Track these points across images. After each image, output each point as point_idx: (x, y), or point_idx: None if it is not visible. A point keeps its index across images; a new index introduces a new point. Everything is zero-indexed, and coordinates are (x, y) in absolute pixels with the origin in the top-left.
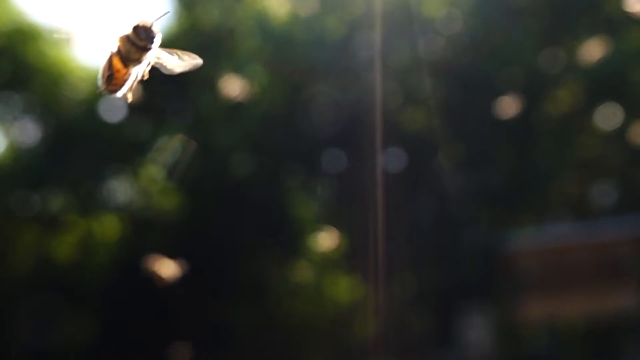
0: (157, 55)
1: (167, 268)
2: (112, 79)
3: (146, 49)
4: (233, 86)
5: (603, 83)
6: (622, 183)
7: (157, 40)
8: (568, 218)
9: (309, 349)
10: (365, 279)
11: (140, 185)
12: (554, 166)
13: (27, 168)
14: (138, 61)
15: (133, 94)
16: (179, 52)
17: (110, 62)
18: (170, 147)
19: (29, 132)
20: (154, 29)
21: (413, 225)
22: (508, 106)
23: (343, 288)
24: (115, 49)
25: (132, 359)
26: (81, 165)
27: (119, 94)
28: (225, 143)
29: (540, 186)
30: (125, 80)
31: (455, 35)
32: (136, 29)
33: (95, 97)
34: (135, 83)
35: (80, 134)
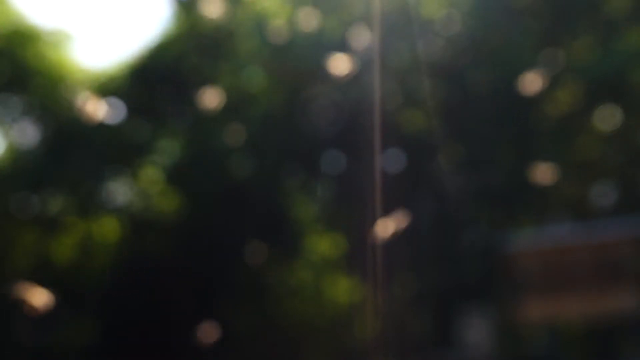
0: None
1: (37, 297)
2: None
3: None
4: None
5: (602, 83)
6: (621, 183)
7: None
8: (568, 218)
9: (309, 349)
10: (364, 279)
11: (139, 187)
12: (554, 166)
13: (27, 170)
14: None
15: None
16: None
17: None
18: (170, 148)
19: (28, 133)
20: None
21: (413, 226)
22: (531, 83)
23: (343, 289)
24: None
25: (131, 359)
26: (80, 167)
27: None
28: (224, 144)
29: (540, 186)
30: None
31: (454, 36)
32: None
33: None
34: None
35: (79, 136)
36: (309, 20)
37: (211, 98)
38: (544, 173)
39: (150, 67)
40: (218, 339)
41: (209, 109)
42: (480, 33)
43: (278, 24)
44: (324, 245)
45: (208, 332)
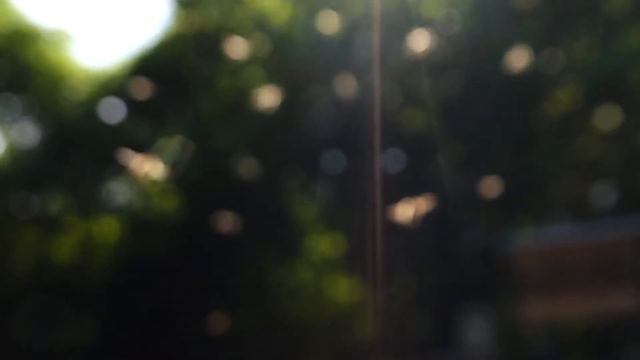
0: None
1: None
2: None
3: None
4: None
5: (602, 83)
6: (621, 183)
7: None
8: (568, 218)
9: (309, 349)
10: (364, 280)
11: (139, 187)
12: (554, 166)
13: (27, 170)
14: None
15: None
16: None
17: None
18: (170, 148)
19: (28, 133)
20: None
21: (413, 226)
22: (517, 60)
23: (342, 289)
24: None
25: (131, 359)
26: (80, 167)
27: None
28: (224, 144)
29: (540, 186)
30: None
31: (454, 36)
32: None
33: (94, 98)
34: None
35: (79, 136)
36: (329, 23)
37: (268, 98)
38: (490, 186)
39: (150, 67)
40: (219, 337)
41: (266, 108)
42: (480, 33)
43: (278, 24)
44: (324, 245)
45: (216, 323)
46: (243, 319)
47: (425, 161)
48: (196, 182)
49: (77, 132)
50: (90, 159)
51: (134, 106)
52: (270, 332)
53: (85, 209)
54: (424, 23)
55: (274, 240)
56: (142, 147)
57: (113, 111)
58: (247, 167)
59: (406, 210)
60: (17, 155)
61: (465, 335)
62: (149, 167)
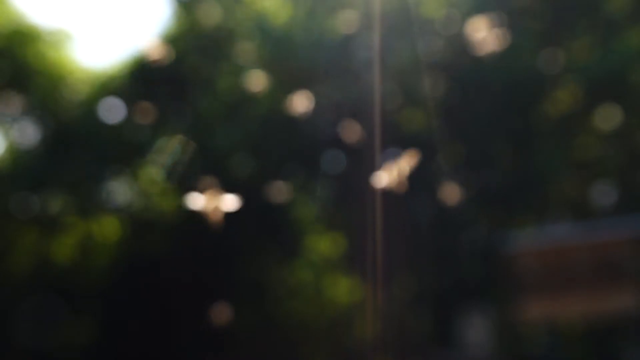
0: None
1: None
2: None
3: None
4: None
5: (602, 83)
6: (621, 183)
7: None
8: (568, 218)
9: (309, 349)
10: (364, 280)
11: (139, 187)
12: (554, 166)
13: (27, 169)
14: None
15: None
16: None
17: None
18: (170, 148)
19: (28, 133)
20: None
21: (413, 226)
22: (494, 41)
23: (343, 289)
24: None
25: (131, 359)
26: (80, 167)
27: None
28: (224, 144)
29: (540, 186)
30: None
31: (454, 36)
32: None
33: (94, 98)
34: None
35: (79, 136)
36: (347, 24)
37: (301, 102)
38: (450, 194)
39: (150, 67)
40: (219, 336)
41: (302, 113)
42: None
43: (278, 24)
44: (324, 245)
45: (220, 315)
46: (243, 318)
47: (425, 161)
48: (196, 182)
49: (77, 132)
50: (90, 159)
51: (134, 106)
52: (270, 332)
53: (85, 209)
54: (424, 23)
55: (274, 240)
56: (142, 147)
57: (113, 111)
58: (247, 166)
59: (391, 173)
60: (17, 155)
61: (465, 335)
62: (218, 203)
